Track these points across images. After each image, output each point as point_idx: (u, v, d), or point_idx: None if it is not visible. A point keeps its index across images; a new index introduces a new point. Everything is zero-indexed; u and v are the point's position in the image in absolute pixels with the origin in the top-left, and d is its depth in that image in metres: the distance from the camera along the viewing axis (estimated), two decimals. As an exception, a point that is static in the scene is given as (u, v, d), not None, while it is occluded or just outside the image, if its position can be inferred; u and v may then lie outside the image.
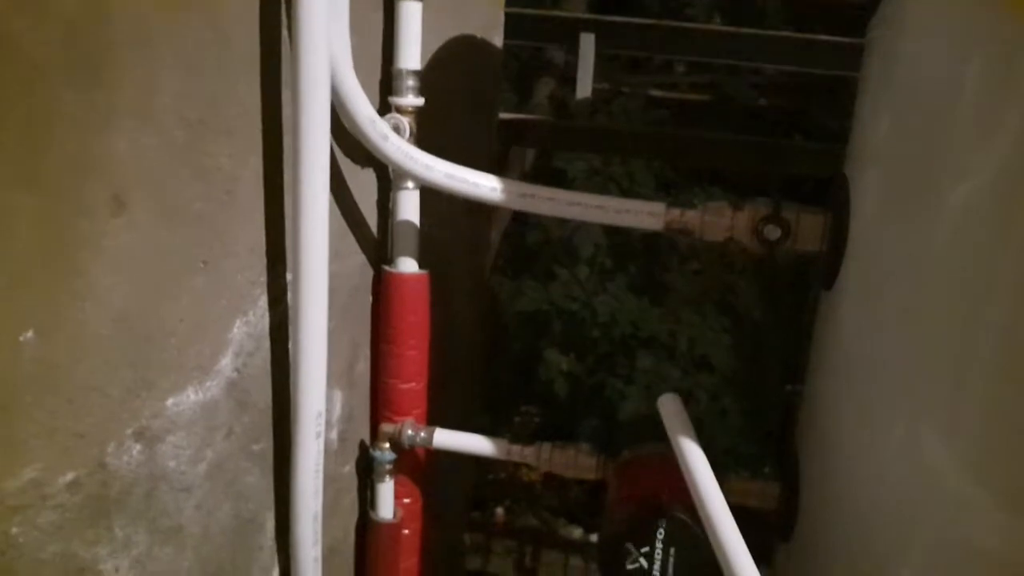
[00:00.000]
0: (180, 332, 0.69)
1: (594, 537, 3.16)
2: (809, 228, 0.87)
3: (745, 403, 3.11)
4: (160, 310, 0.66)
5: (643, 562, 0.82)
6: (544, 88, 3.24)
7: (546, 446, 1.01)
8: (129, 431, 0.65)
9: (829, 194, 0.89)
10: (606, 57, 3.44)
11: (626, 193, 3.25)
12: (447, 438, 1.04)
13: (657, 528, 0.81)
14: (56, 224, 0.55)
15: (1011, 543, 0.54)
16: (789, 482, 0.93)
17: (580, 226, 3.23)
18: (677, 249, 3.30)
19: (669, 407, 0.86)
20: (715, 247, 3.37)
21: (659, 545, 0.82)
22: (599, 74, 3.38)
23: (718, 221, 0.89)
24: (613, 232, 3.21)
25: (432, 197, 1.02)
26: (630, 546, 0.82)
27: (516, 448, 1.02)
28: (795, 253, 0.88)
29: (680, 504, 0.83)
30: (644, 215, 0.91)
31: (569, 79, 3.33)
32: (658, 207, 0.91)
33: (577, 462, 1.00)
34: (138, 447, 0.66)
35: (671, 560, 0.82)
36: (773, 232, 0.86)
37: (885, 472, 0.70)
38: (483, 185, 0.91)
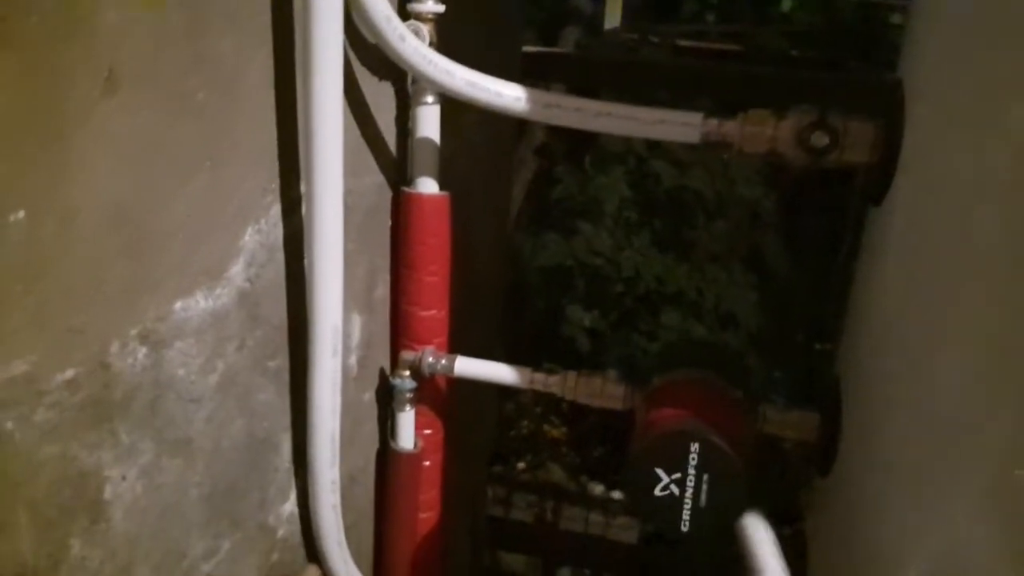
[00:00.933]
0: (185, 232, 0.65)
1: (616, 494, 3.14)
2: (858, 136, 0.81)
3: (771, 360, 3.05)
4: (162, 206, 0.62)
5: (674, 489, 0.78)
6: (570, 37, 3.15)
7: (571, 374, 0.97)
8: (133, 332, 0.61)
9: (879, 102, 0.83)
10: (634, 6, 3.35)
11: (652, 146, 3.18)
12: (469, 366, 1.00)
13: (690, 452, 0.77)
14: (42, 93, 0.50)
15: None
16: (829, 413, 0.89)
17: (604, 184, 3.17)
18: (704, 204, 3.23)
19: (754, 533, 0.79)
20: (742, 207, 3.27)
21: (691, 471, 0.77)
22: (626, 23, 3.29)
23: (759, 131, 0.83)
24: (638, 186, 3.14)
25: (452, 123, 0.97)
26: (660, 471, 0.78)
27: (539, 376, 0.98)
28: (842, 164, 0.82)
29: (716, 429, 0.78)
30: (679, 126, 0.86)
31: (595, 28, 3.24)
32: (694, 117, 0.85)
33: (604, 391, 0.95)
34: (144, 350, 0.63)
35: (704, 487, 0.77)
36: (820, 139, 0.80)
37: (936, 398, 0.64)
38: (506, 94, 0.86)
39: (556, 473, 3.45)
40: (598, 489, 3.35)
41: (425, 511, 1.10)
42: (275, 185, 0.76)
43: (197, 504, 0.73)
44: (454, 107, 0.97)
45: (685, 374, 0.90)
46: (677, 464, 0.77)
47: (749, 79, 1.53)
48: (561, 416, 3.51)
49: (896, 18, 3.16)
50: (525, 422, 3.44)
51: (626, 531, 2.29)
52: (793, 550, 1.02)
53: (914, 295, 0.75)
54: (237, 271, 0.72)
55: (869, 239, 0.87)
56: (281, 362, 0.82)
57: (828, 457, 0.88)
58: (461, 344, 1.05)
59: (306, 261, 0.79)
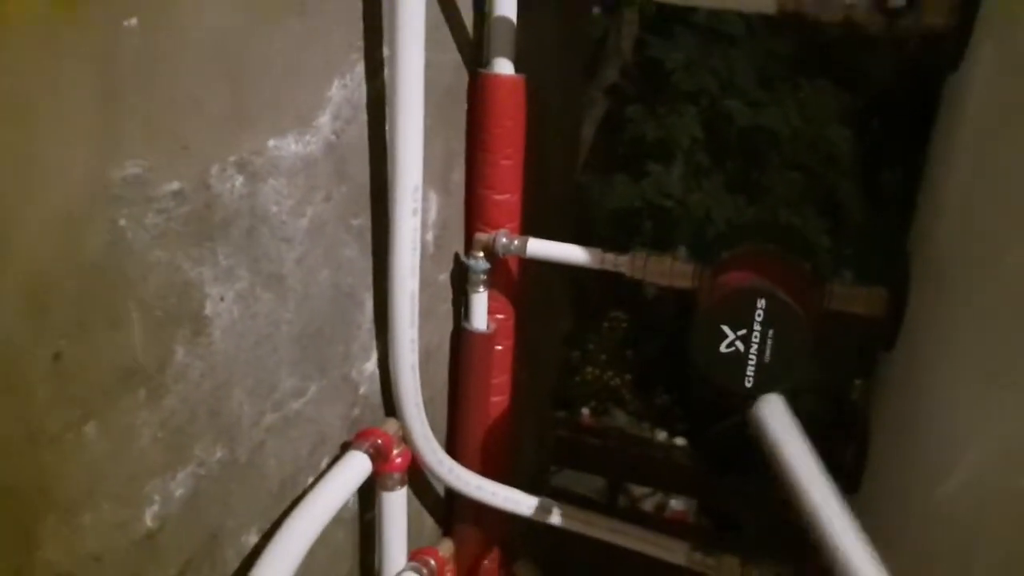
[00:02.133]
0: (276, 71, 0.69)
1: (679, 440, 3.16)
2: None
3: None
4: (257, 43, 0.67)
5: (739, 345, 0.80)
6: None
7: (640, 253, 0.99)
8: (232, 159, 0.66)
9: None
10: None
11: (726, 86, 3.12)
12: (541, 247, 1.03)
13: (756, 308, 0.78)
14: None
15: None
16: (899, 287, 0.89)
17: (676, 123, 3.13)
18: (778, 145, 3.16)
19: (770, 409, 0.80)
20: (818, 150, 3.17)
21: (757, 327, 0.79)
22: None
23: (836, -3, 0.83)
24: (710, 127, 3.09)
25: (529, 12, 0.99)
26: (726, 328, 0.80)
27: (610, 256, 1.00)
28: (921, 28, 0.81)
29: (782, 287, 0.80)
30: (754, -4, 0.86)
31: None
32: (771, -14, 0.85)
33: (673, 269, 0.97)
34: (240, 179, 0.67)
35: (769, 343, 0.79)
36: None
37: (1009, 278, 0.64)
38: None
39: (620, 418, 3.47)
40: (661, 436, 3.36)
41: (496, 395, 1.15)
42: (360, 43, 0.79)
43: (288, 342, 0.78)
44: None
45: (753, 248, 0.91)
46: (743, 320, 0.79)
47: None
48: (625, 364, 3.52)
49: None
50: (589, 368, 3.46)
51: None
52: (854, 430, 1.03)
53: (991, 168, 0.74)
54: (325, 121, 0.76)
55: (945, 113, 0.86)
56: (364, 222, 0.86)
57: (893, 331, 0.89)
58: (532, 230, 1.08)
59: (387, 124, 0.83)
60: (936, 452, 0.75)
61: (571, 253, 1.02)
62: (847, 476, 1.04)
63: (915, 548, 0.75)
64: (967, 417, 0.69)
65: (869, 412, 1.08)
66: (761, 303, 0.78)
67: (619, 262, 1.00)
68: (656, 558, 1.04)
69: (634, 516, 2.41)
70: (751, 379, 0.80)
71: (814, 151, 3.14)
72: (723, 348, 0.80)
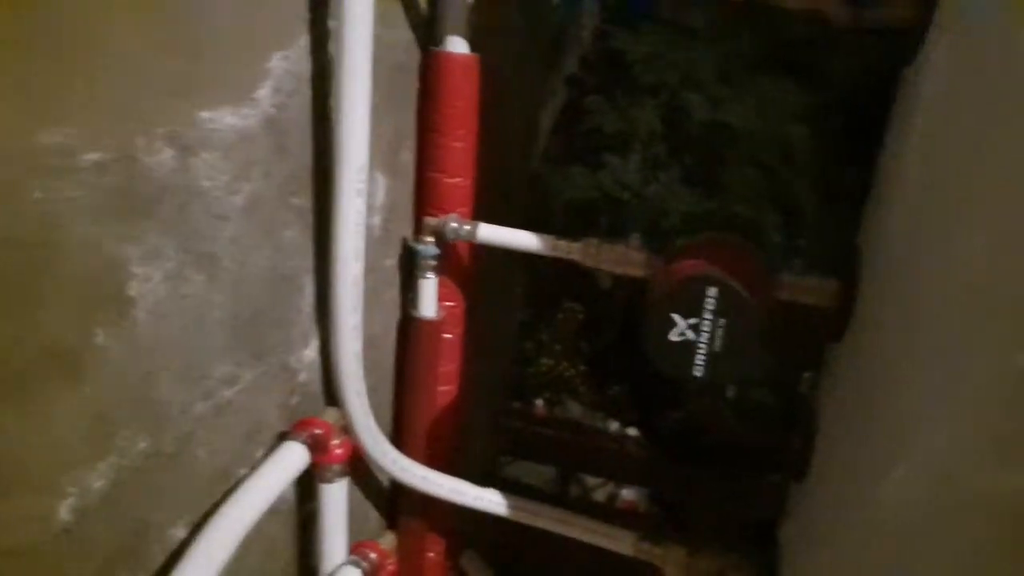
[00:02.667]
0: (216, 41, 0.65)
1: (631, 430, 3.17)
2: (896, -9, 0.80)
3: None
4: (198, 10, 0.63)
5: (690, 334, 0.78)
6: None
7: (593, 241, 0.97)
8: (160, 131, 0.62)
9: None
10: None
11: (685, 80, 3.13)
12: (492, 232, 1.00)
13: (706, 297, 0.77)
14: None
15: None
16: (848, 280, 0.88)
17: (635, 116, 3.13)
18: (736, 141, 3.18)
19: None
20: (776, 147, 3.21)
21: (707, 316, 0.77)
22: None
23: (794, -15, 0.82)
24: (669, 121, 3.10)
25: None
26: (676, 317, 0.78)
27: (563, 243, 0.98)
28: (886, 19, 0.80)
29: (734, 276, 0.78)
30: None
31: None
32: (728, -29, 0.84)
33: (626, 257, 0.95)
34: (170, 152, 0.63)
35: (719, 331, 0.78)
36: (859, -10, 0.78)
37: (954, 270, 0.63)
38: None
39: (574, 409, 3.47)
40: (614, 426, 3.37)
41: (444, 384, 1.12)
42: (306, 15, 0.76)
43: (220, 326, 0.74)
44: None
45: (707, 236, 0.90)
46: (694, 309, 0.77)
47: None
48: (580, 355, 3.52)
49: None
50: (543, 359, 3.45)
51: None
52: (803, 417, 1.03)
53: (939, 162, 0.73)
54: (264, 94, 0.73)
55: (898, 108, 0.86)
56: (305, 202, 0.83)
57: (842, 322, 0.88)
58: (484, 217, 1.06)
59: (333, 98, 0.80)
60: (882, 443, 0.74)
61: (523, 239, 1.00)
62: (795, 465, 1.04)
63: (858, 537, 0.74)
64: (912, 409, 0.68)
65: (816, 403, 1.08)
66: (712, 292, 0.77)
67: (572, 249, 0.98)
68: (605, 549, 1.02)
69: (585, 506, 2.41)
70: (701, 368, 0.79)
71: (772, 148, 3.17)
72: (674, 337, 0.79)
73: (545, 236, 0.99)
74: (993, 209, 0.57)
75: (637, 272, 0.95)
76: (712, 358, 0.78)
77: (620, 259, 0.96)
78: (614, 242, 0.96)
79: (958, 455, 0.55)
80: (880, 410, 0.76)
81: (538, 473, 2.23)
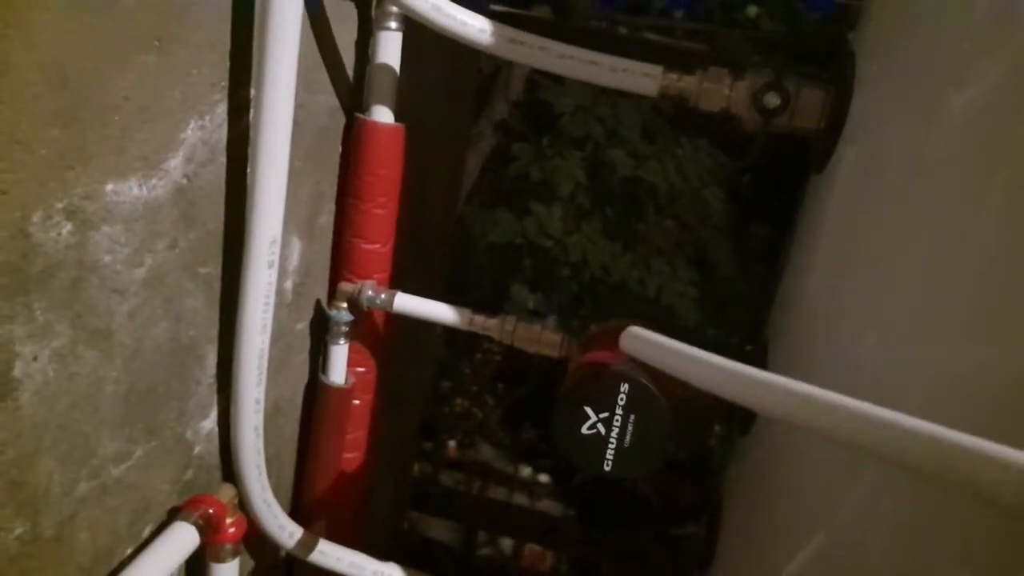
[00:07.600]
0: (125, 110, 0.63)
1: (543, 477, 3.17)
2: (809, 102, 0.83)
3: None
4: (102, 76, 0.60)
5: (600, 428, 0.78)
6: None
7: (510, 318, 0.97)
8: (60, 205, 0.59)
9: (833, 70, 0.84)
10: (604, -6, 3.35)
11: (611, 135, 3.20)
12: (408, 303, 0.99)
13: (619, 393, 0.77)
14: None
15: None
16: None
17: (560, 166, 3.18)
18: (656, 198, 3.26)
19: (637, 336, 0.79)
20: (693, 206, 3.31)
21: (619, 411, 0.78)
22: (595, 8, 3.30)
23: (716, 88, 0.84)
24: (593, 174, 3.15)
25: (413, 58, 0.96)
26: (588, 409, 0.78)
27: (479, 318, 0.97)
28: (792, 128, 0.83)
29: (645, 372, 0.79)
30: (639, 76, 0.86)
31: (565, 9, 3.24)
32: (655, 68, 0.85)
33: (541, 337, 0.95)
34: (69, 226, 0.60)
35: (630, 428, 0.78)
36: (773, 100, 0.81)
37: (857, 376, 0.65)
38: (471, 24, 0.85)
39: (486, 452, 3.45)
40: (526, 471, 3.36)
41: (351, 451, 1.09)
42: (224, 83, 0.73)
43: (112, 402, 0.70)
44: (416, 43, 0.96)
45: (621, 322, 0.90)
46: (606, 403, 0.77)
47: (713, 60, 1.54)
48: (496, 397, 3.51)
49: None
50: (459, 400, 3.43)
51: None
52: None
53: (845, 266, 0.76)
54: (176, 165, 0.70)
55: (808, 207, 0.89)
56: (213, 270, 0.80)
57: (748, 419, 0.90)
58: (402, 284, 1.04)
59: (249, 168, 0.77)
60: (785, 531, 0.76)
61: (440, 312, 0.98)
62: (701, 550, 1.05)
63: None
64: (821, 492, 0.69)
65: (722, 487, 1.10)
66: (624, 388, 0.77)
67: (488, 325, 0.97)
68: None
69: (492, 562, 2.38)
70: (610, 463, 0.79)
71: (689, 206, 3.26)
72: (584, 429, 0.79)
73: (462, 310, 0.98)
74: (884, 326, 0.59)
75: (552, 353, 0.95)
76: (622, 453, 0.78)
77: (535, 339, 0.95)
78: (530, 322, 0.96)
79: (859, 541, 0.56)
80: (782, 497, 0.78)
81: (448, 527, 2.21)
